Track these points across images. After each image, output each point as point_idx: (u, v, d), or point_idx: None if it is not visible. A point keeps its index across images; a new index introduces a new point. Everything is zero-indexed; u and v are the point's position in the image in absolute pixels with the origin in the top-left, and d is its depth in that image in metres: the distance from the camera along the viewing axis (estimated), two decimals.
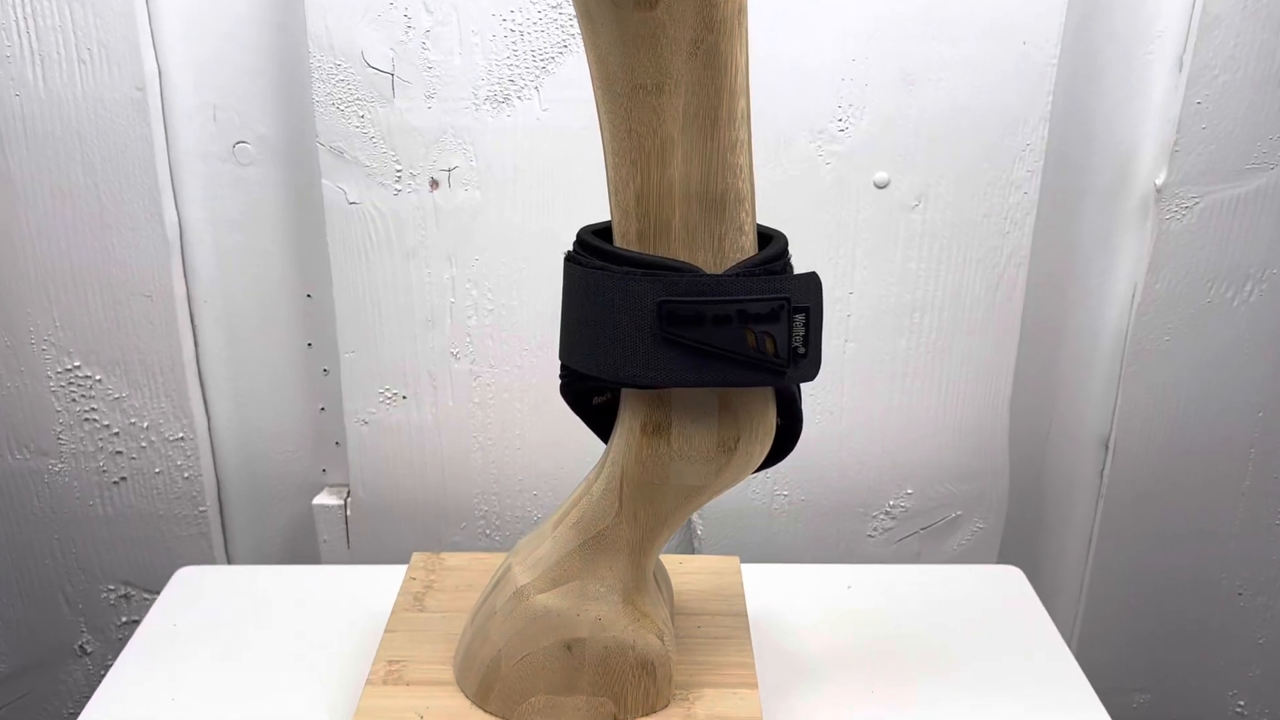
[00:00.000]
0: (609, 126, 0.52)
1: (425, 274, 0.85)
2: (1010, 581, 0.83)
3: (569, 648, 0.60)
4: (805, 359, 0.53)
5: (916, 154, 0.82)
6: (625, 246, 0.53)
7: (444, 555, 0.77)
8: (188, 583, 0.83)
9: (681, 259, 0.52)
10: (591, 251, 0.54)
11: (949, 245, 0.85)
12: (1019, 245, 0.85)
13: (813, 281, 0.53)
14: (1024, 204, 0.84)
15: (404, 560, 0.92)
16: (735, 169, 0.52)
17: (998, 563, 0.96)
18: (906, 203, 0.83)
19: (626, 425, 0.57)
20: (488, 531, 0.93)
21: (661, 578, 0.68)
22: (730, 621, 0.71)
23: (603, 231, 0.56)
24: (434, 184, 0.83)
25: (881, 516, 0.94)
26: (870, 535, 0.94)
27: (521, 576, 0.62)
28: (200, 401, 0.90)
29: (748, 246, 0.53)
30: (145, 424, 0.89)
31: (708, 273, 0.52)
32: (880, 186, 0.83)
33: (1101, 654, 0.98)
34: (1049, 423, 0.96)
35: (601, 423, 0.62)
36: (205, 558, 0.94)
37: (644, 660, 0.61)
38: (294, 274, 0.88)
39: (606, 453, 0.60)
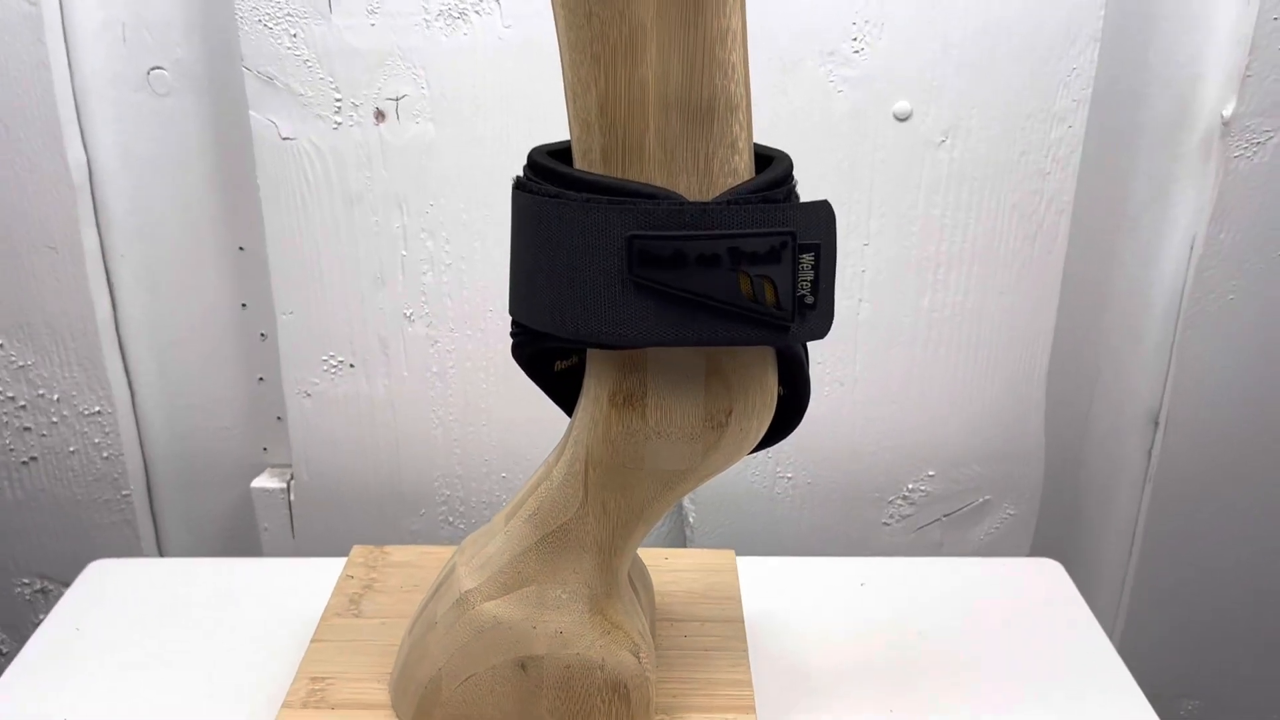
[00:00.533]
0: (563, 12, 0.41)
1: (372, 222, 0.73)
2: (1048, 576, 0.73)
3: (523, 667, 0.50)
4: (814, 311, 0.43)
5: (944, 80, 0.71)
6: (587, 169, 0.43)
7: (388, 549, 0.66)
8: (99, 578, 0.72)
9: (657, 183, 0.42)
10: (544, 175, 0.44)
11: (980, 188, 0.73)
12: (1061, 188, 0.73)
13: (823, 212, 0.43)
14: (1068, 139, 0.72)
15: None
16: (726, 67, 0.42)
17: (1030, 554, 0.85)
18: (931, 138, 0.72)
19: (592, 396, 0.46)
20: (450, 519, 0.82)
21: (639, 579, 0.57)
22: (724, 629, 0.60)
23: (561, 152, 0.45)
24: (379, 115, 0.71)
25: (899, 502, 0.82)
26: (886, 523, 0.83)
27: (467, 580, 0.51)
28: (120, 371, 0.78)
29: (742, 169, 0.43)
30: (55, 396, 0.78)
31: (690, 200, 0.42)
32: (901, 119, 0.71)
33: (1145, 657, 0.87)
34: (1091, 396, 0.85)
35: (566, 392, 0.51)
36: (132, 549, 0.83)
37: (615, 682, 0.50)
38: (223, 223, 0.77)
39: (569, 430, 0.48)
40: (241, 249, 0.77)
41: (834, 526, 0.83)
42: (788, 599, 0.68)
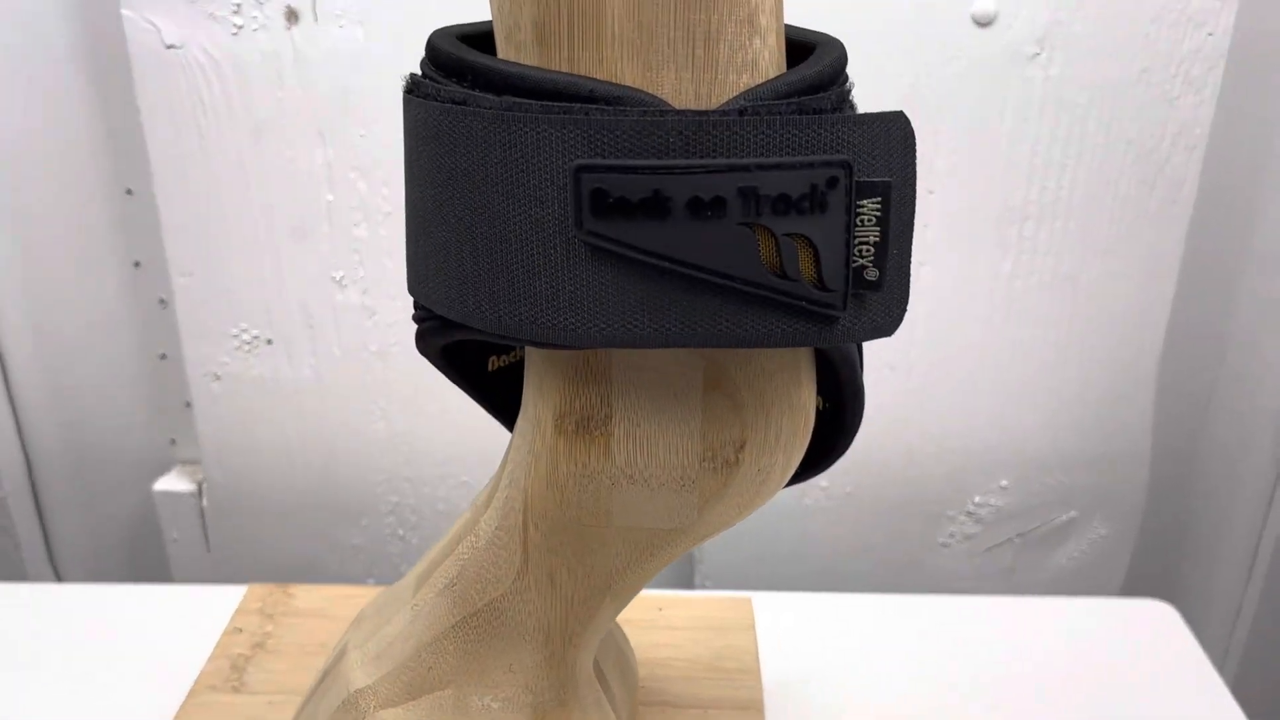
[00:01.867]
0: None
1: (287, 158, 0.56)
2: (1156, 622, 0.56)
3: None
4: (878, 292, 0.28)
5: None
6: (515, 57, 0.28)
7: (293, 589, 0.51)
8: None
9: (626, 81, 0.27)
10: (449, 69, 0.27)
11: (1084, 117, 0.56)
12: (1194, 119, 0.56)
13: (897, 131, 0.28)
14: (1207, 53, 0.55)
15: (280, 574, 0.66)
16: None
17: (1125, 582, 0.68)
18: (1022, 49, 0.54)
19: (530, 417, 0.31)
20: (401, 531, 0.66)
21: (613, 661, 0.40)
22: (735, 718, 0.44)
23: (479, 35, 0.29)
24: (291, 16, 0.54)
25: (962, 518, 0.66)
26: (945, 543, 0.67)
27: (358, 672, 0.35)
28: None
29: (765, 60, 0.28)
30: None
31: (679, 107, 0.27)
32: (983, 23, 0.54)
33: (1264, 710, 0.71)
34: (1211, 390, 0.67)
35: (508, 397, 0.35)
36: (12, 563, 0.68)
37: None
38: (104, 158, 0.60)
39: (503, 463, 0.32)
40: (129, 192, 0.61)
41: (878, 547, 0.67)
42: (820, 656, 0.52)
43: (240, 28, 0.54)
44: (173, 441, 0.68)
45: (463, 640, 0.33)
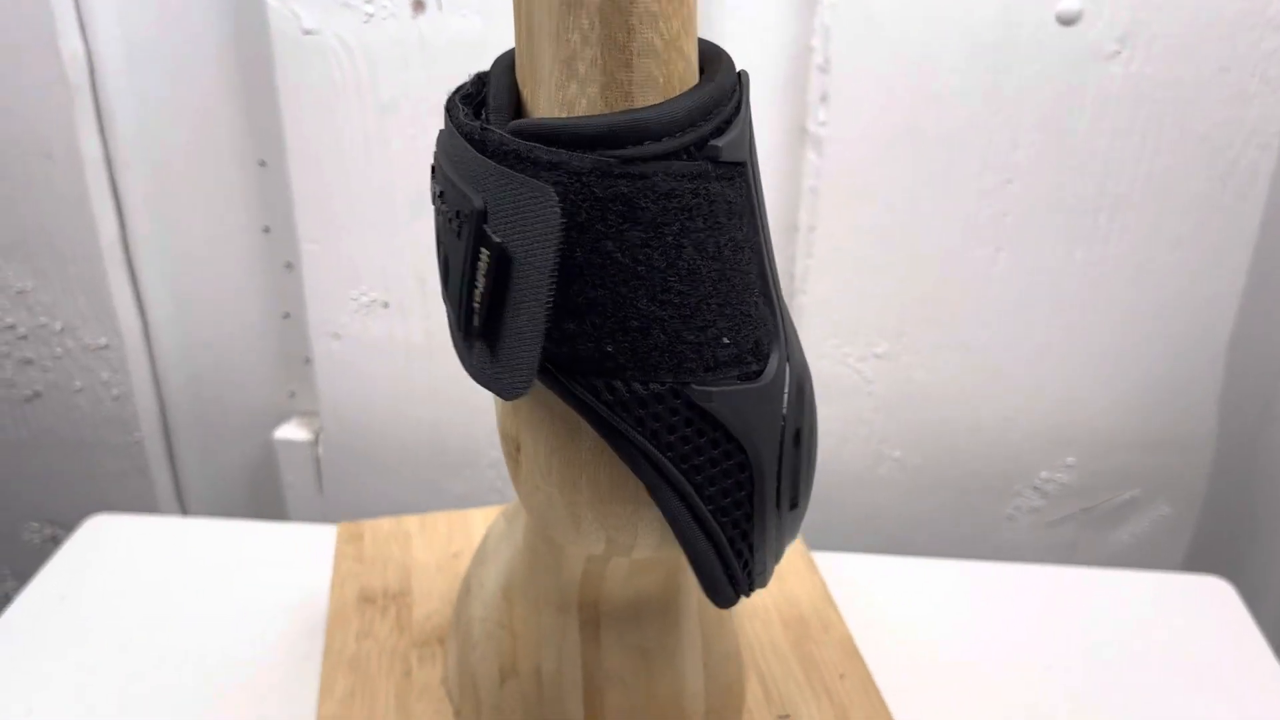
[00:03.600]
0: None
1: (409, 136, 0.61)
2: (1214, 599, 0.59)
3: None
4: (484, 341, 0.29)
5: None
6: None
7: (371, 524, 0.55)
8: (95, 537, 0.64)
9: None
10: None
11: (1162, 113, 0.58)
12: (1269, 116, 0.58)
13: (534, 203, 0.27)
14: None
15: (388, 515, 0.71)
16: None
17: (1185, 561, 0.71)
18: (1103, 47, 0.57)
19: None
20: (499, 484, 0.71)
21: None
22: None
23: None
24: (418, 6, 0.59)
25: (1028, 493, 0.69)
26: (1010, 516, 0.70)
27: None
28: (129, 299, 0.69)
29: (582, 107, 0.29)
30: (59, 326, 0.69)
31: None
32: (1066, 22, 0.56)
33: None
34: (1276, 378, 0.69)
35: None
36: (145, 499, 0.74)
37: None
38: (241, 132, 0.66)
39: None
40: (263, 164, 0.66)
41: (946, 518, 0.70)
42: (881, 608, 0.56)
43: (371, 15, 0.59)
44: (292, 394, 0.74)
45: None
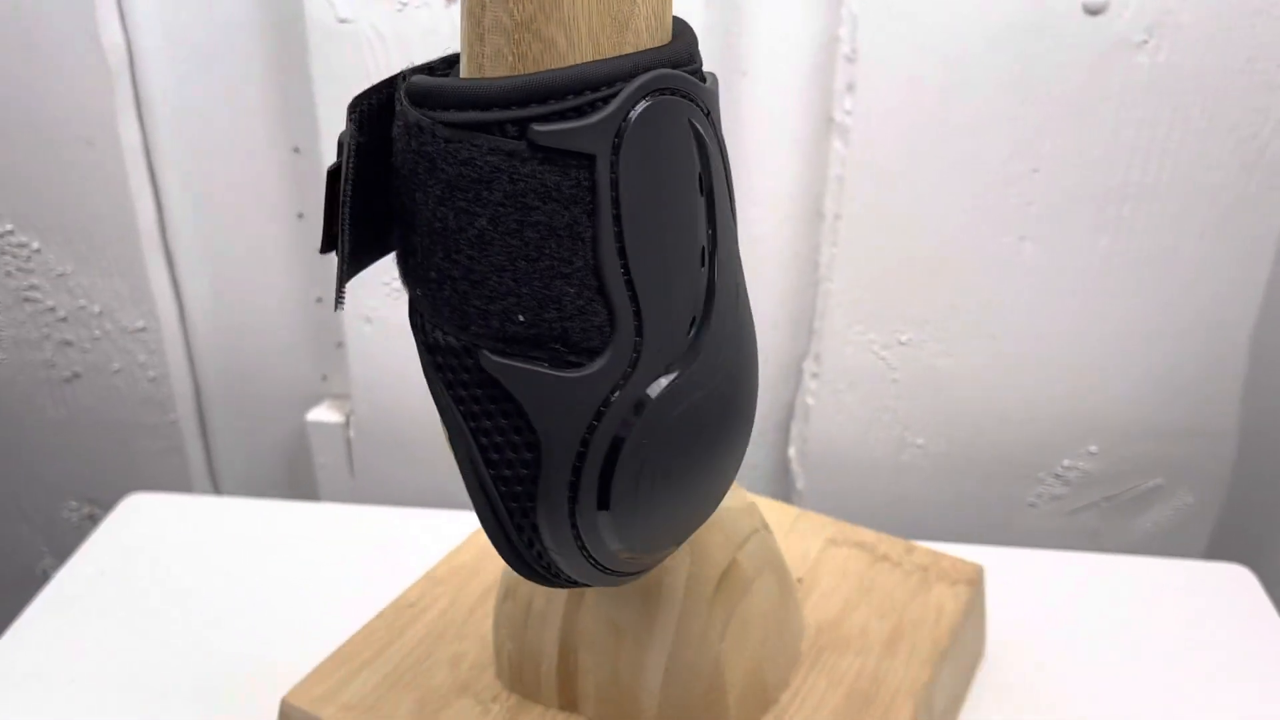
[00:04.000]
0: None
1: None
2: (1234, 585, 0.59)
3: None
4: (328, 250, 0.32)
5: None
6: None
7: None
8: (133, 515, 0.66)
9: None
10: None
11: (1188, 104, 0.58)
12: None
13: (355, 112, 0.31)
14: None
15: (418, 499, 0.73)
16: None
17: (1208, 551, 0.71)
18: (1130, 37, 0.57)
19: None
20: None
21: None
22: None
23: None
24: None
25: (1050, 480, 0.69)
26: (1032, 504, 0.70)
27: None
28: (166, 283, 0.70)
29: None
30: (97, 309, 0.70)
31: None
32: (1094, 12, 0.57)
33: None
34: None
35: None
36: (180, 478, 0.76)
37: None
38: (276, 119, 0.67)
39: None
40: (297, 150, 0.68)
41: (968, 504, 0.71)
42: None
43: (405, 5, 0.60)
44: (324, 377, 0.75)
45: None
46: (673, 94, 0.30)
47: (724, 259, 0.32)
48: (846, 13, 0.58)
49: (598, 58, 0.29)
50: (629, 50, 0.29)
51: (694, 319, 0.32)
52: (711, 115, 0.31)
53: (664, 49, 0.30)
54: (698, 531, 0.38)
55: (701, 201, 0.31)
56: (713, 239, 0.32)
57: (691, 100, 0.30)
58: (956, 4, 0.57)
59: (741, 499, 0.44)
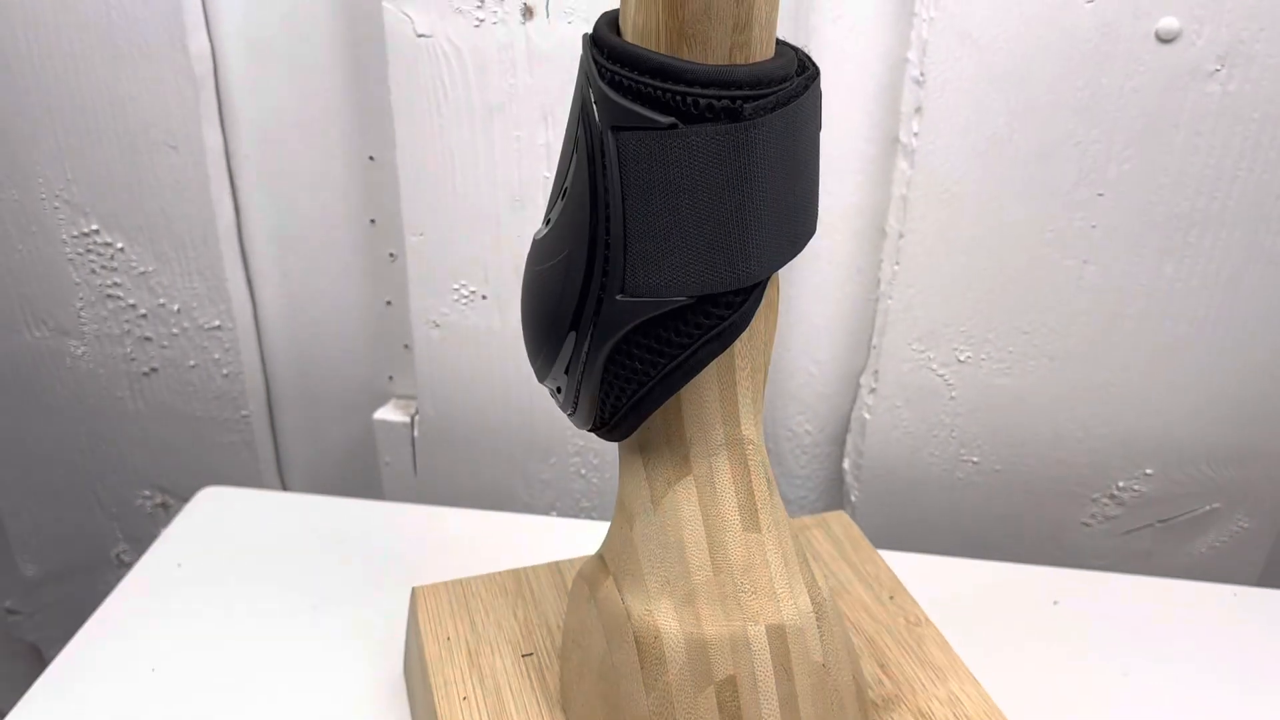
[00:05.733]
0: None
1: (514, 137, 0.64)
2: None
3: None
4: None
5: None
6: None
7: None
8: (209, 507, 0.68)
9: None
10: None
11: (1259, 132, 0.58)
12: None
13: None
14: None
15: (476, 499, 0.75)
16: None
17: (1263, 574, 0.71)
18: (1203, 65, 0.57)
19: None
20: (583, 471, 0.74)
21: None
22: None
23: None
24: (527, 12, 0.61)
25: (1105, 501, 0.70)
26: (1086, 523, 0.71)
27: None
28: (242, 283, 0.72)
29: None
30: (176, 307, 0.73)
31: None
32: (1166, 40, 0.57)
33: None
34: None
35: None
36: (249, 470, 0.78)
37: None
38: (353, 128, 0.69)
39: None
40: (371, 159, 0.69)
41: (1022, 522, 0.71)
42: (956, 612, 0.58)
43: (482, 21, 0.61)
44: (391, 378, 0.77)
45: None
46: None
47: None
48: (915, 36, 0.59)
49: None
50: None
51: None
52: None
53: None
54: None
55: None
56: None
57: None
58: (1027, 29, 0.57)
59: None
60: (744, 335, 0.37)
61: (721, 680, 0.38)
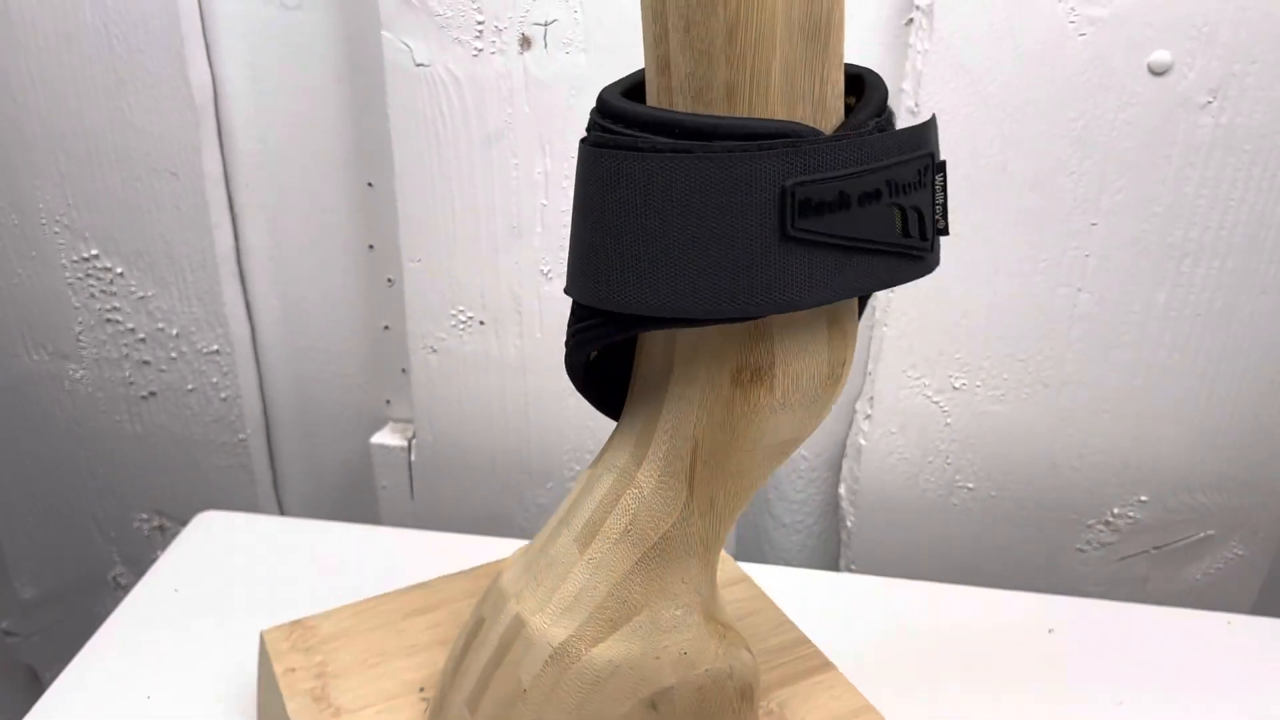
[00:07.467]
0: None
1: (512, 165, 0.64)
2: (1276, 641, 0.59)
3: (654, 705, 0.42)
4: (940, 235, 0.37)
5: (1219, 25, 0.56)
6: (701, 110, 0.35)
7: (310, 622, 0.53)
8: (206, 532, 0.68)
9: (781, 117, 0.35)
10: (655, 128, 0.34)
11: (1250, 163, 0.59)
12: None
13: (934, 126, 0.37)
14: None
15: (473, 524, 0.75)
16: None
17: (1257, 602, 0.71)
18: (1195, 98, 0.57)
19: (702, 381, 0.39)
20: None
21: None
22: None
23: (628, 93, 0.37)
24: (525, 42, 0.61)
25: (1100, 527, 0.70)
26: (1081, 549, 0.71)
27: (554, 630, 0.42)
28: (240, 308, 0.73)
29: (841, 90, 0.37)
30: (175, 331, 0.73)
31: (826, 133, 0.35)
32: (1158, 72, 0.57)
33: None
34: None
35: (600, 390, 0.43)
36: (246, 495, 0.78)
37: (744, 686, 0.44)
38: (352, 155, 0.69)
39: (646, 427, 0.40)
40: (370, 185, 0.70)
41: (1017, 548, 0.71)
42: (955, 637, 0.58)
43: (480, 50, 0.62)
44: (388, 402, 0.77)
45: (646, 571, 0.40)
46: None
47: None
48: (910, 68, 0.60)
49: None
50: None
51: None
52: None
53: None
54: None
55: None
56: None
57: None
58: (1020, 61, 0.58)
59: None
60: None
61: None
